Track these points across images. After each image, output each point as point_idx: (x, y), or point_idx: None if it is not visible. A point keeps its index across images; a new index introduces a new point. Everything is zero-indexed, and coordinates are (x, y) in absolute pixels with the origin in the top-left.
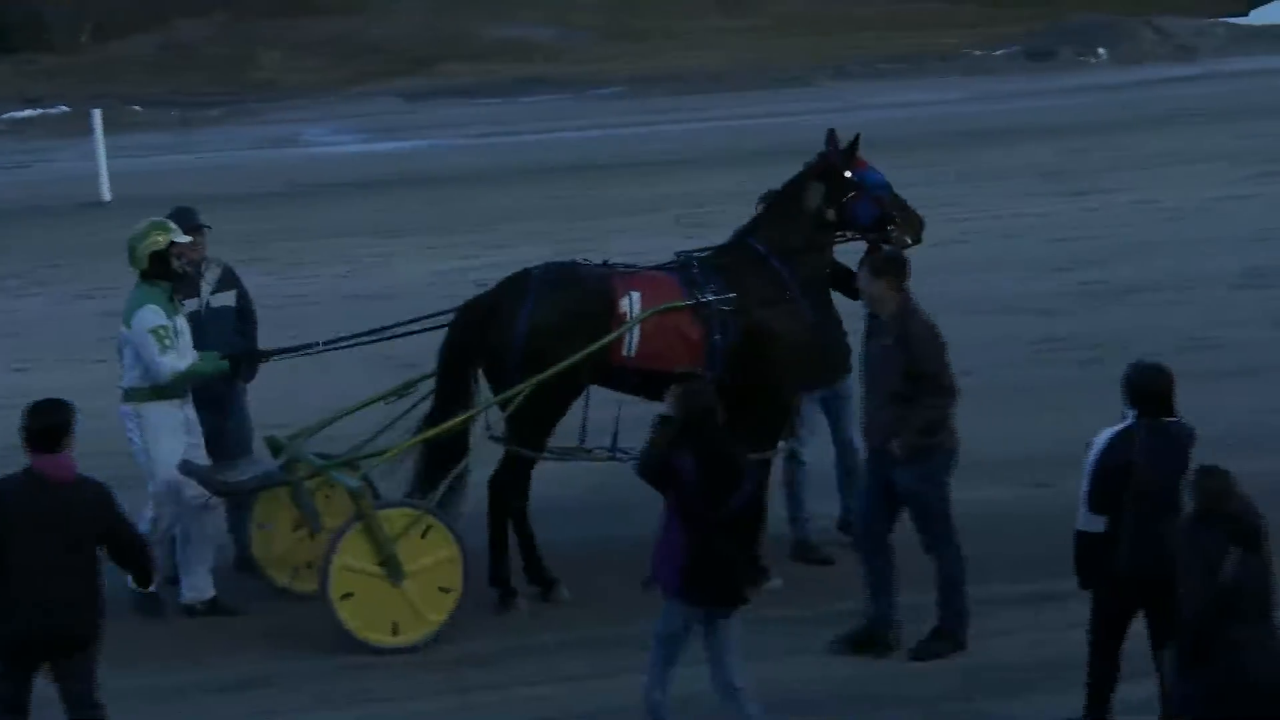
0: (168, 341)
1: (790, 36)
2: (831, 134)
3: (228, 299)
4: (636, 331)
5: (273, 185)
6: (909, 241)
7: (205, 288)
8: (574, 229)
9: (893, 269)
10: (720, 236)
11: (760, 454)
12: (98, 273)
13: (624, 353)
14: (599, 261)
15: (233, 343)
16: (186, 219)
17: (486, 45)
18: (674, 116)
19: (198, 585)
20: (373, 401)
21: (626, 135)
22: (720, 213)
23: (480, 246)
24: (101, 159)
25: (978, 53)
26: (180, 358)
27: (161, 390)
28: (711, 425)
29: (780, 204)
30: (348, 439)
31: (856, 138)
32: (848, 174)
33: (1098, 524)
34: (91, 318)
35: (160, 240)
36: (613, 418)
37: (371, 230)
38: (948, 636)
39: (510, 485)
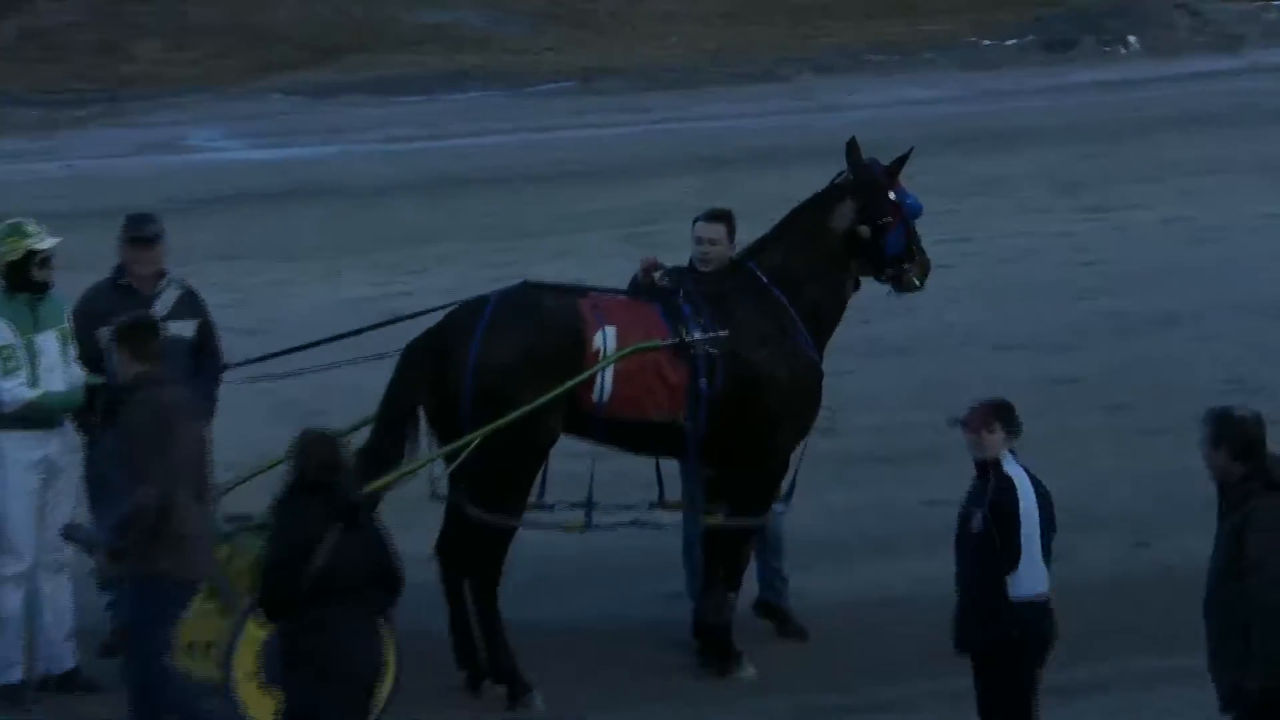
0: (13, 364)
1: (760, 24)
2: (854, 144)
3: (185, 328)
4: (610, 373)
5: (149, 198)
6: (917, 284)
7: (159, 311)
8: (507, 250)
9: (135, 336)
10: (678, 257)
11: (749, 519)
12: None
13: (595, 398)
14: (568, 284)
15: (189, 383)
16: (139, 227)
17: (407, 32)
18: (625, 117)
19: (57, 657)
20: None
21: (570, 139)
22: (678, 231)
23: (395, 272)
24: None
25: (985, 42)
26: (34, 384)
27: (9, 420)
28: (343, 483)
29: (798, 222)
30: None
31: (909, 151)
32: (891, 194)
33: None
34: None
35: (17, 248)
36: (613, 474)
37: (265, 252)
38: None
39: (477, 558)
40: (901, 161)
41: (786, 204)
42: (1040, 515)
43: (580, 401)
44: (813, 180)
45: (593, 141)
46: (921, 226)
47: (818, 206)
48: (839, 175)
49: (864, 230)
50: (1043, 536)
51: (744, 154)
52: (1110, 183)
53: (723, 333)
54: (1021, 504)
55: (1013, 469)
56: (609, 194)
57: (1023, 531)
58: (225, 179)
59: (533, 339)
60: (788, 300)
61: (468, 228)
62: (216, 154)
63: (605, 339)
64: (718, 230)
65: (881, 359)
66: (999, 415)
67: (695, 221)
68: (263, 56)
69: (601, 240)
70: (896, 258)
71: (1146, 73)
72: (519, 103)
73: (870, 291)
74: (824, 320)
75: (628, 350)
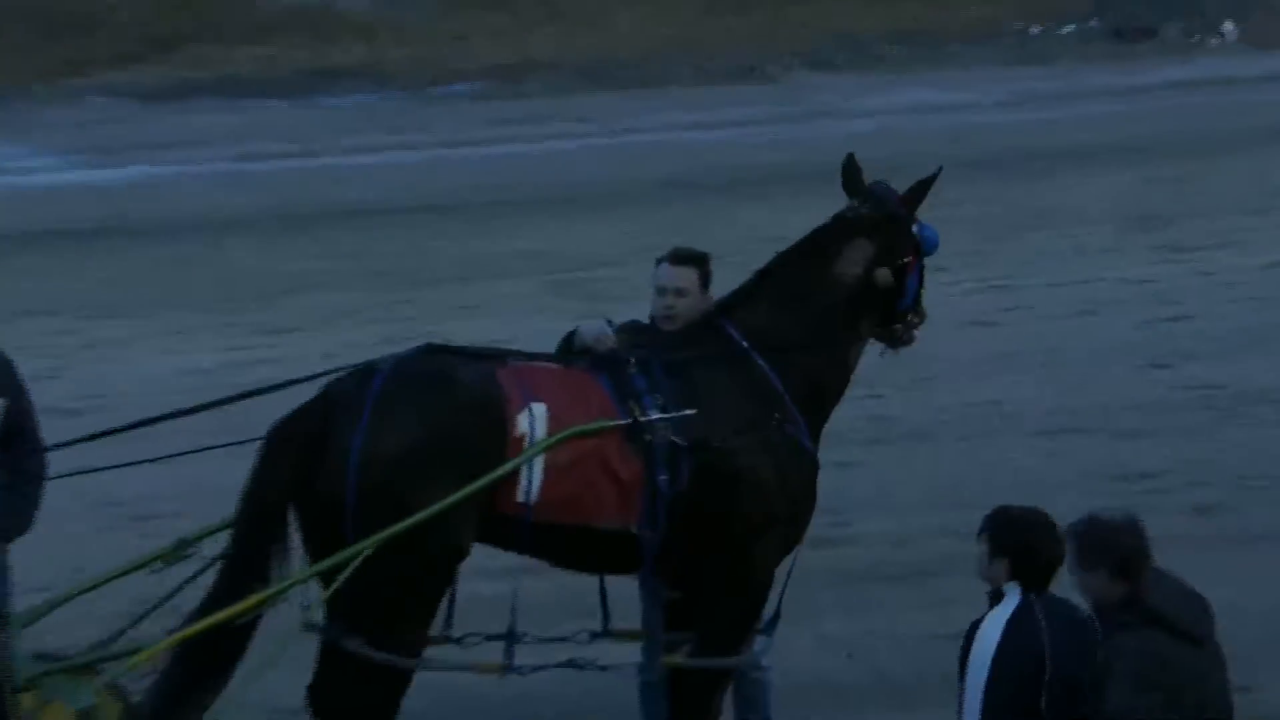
0: None
1: (738, 6)
2: (853, 163)
3: None
4: (540, 465)
5: None
6: (913, 339)
7: None
8: (402, 303)
9: None
10: (625, 309)
11: (723, 657)
12: None
13: (520, 498)
14: (482, 348)
15: None
16: None
17: (265, 18)
18: (558, 128)
19: None
20: (127, 572)
21: (484, 158)
22: (623, 279)
23: (255, 331)
24: None
25: (1033, 30)
26: None
27: None
28: None
29: (792, 268)
30: (94, 627)
31: (937, 172)
32: (914, 228)
33: None
34: None
35: None
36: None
37: (84, 306)
38: None
39: (361, 708)
40: (925, 187)
41: (774, 244)
42: (1013, 669)
43: (500, 503)
44: (808, 212)
45: (514, 161)
46: (945, 274)
47: (818, 248)
48: (850, 207)
49: (884, 275)
50: (1020, 696)
51: (716, 176)
52: (1196, 215)
53: (689, 412)
54: (974, 650)
55: (998, 609)
56: (534, 230)
57: (967, 683)
58: (30, 209)
59: (437, 420)
60: (775, 371)
61: (349, 274)
62: (17, 176)
63: (533, 420)
64: (687, 277)
65: (893, 447)
66: (995, 533)
67: (658, 264)
68: (77, 49)
69: (524, 290)
70: (908, 308)
71: (1247, 69)
72: (416, 109)
73: (874, 358)
74: (823, 397)
75: (563, 435)
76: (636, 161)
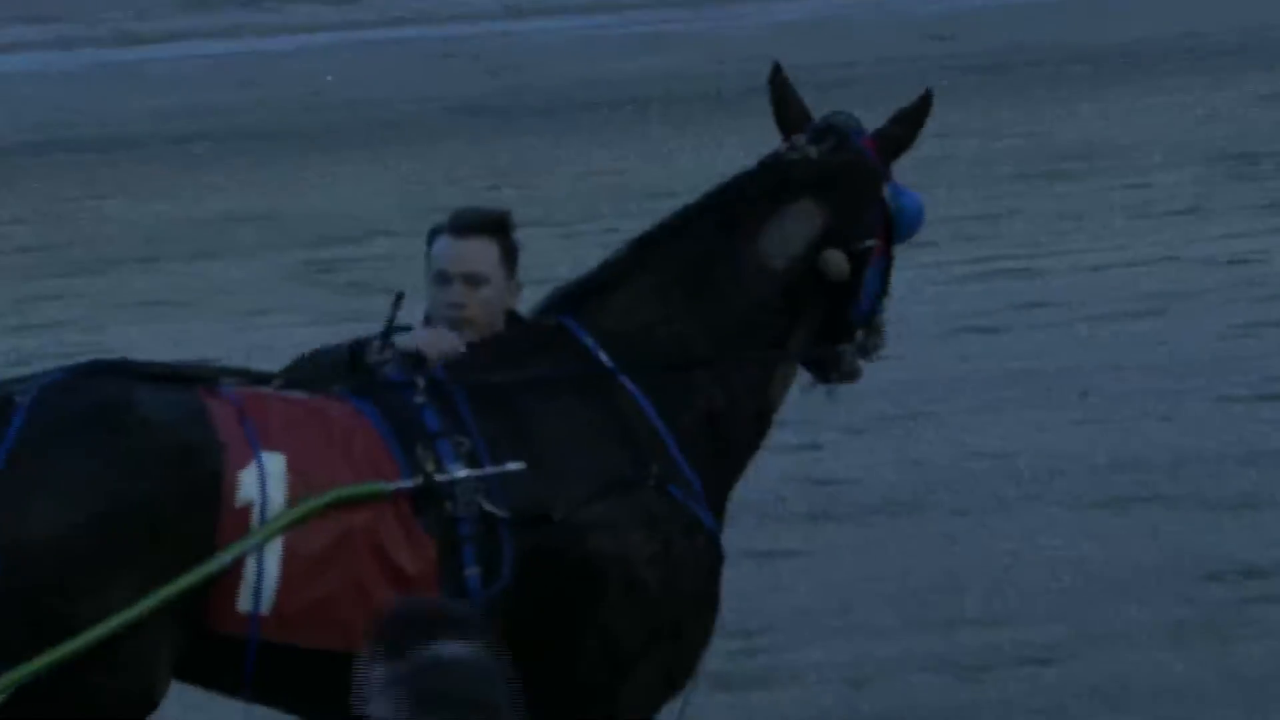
0: None
1: None
2: (780, 74)
3: None
4: (276, 554)
5: None
6: (857, 372)
7: None
8: (54, 299)
9: None
10: (414, 306)
11: None
12: None
13: (243, 606)
14: (181, 364)
15: None
16: None
17: None
18: (289, 14)
19: None
20: None
21: (179, 73)
22: (388, 264)
23: None
24: None
25: None
26: None
27: None
28: None
29: (691, 239)
30: None
31: (926, 96)
32: (885, 191)
33: None
34: None
35: None
36: None
37: None
38: None
39: None
40: (912, 124)
41: (645, 202)
42: None
43: (213, 615)
44: (692, 153)
45: (221, 73)
46: (928, 252)
47: (734, 212)
48: (791, 146)
49: (836, 262)
50: None
51: (546, 95)
52: None
53: (513, 466)
54: None
55: None
56: (264, 183)
57: None
58: None
59: (110, 483)
60: (654, 400)
61: None
62: None
63: (264, 479)
64: (483, 254)
65: (845, 525)
66: None
67: (433, 237)
68: None
69: (252, 274)
70: (863, 319)
71: None
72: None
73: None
74: (729, 443)
75: (314, 504)
76: (421, 70)
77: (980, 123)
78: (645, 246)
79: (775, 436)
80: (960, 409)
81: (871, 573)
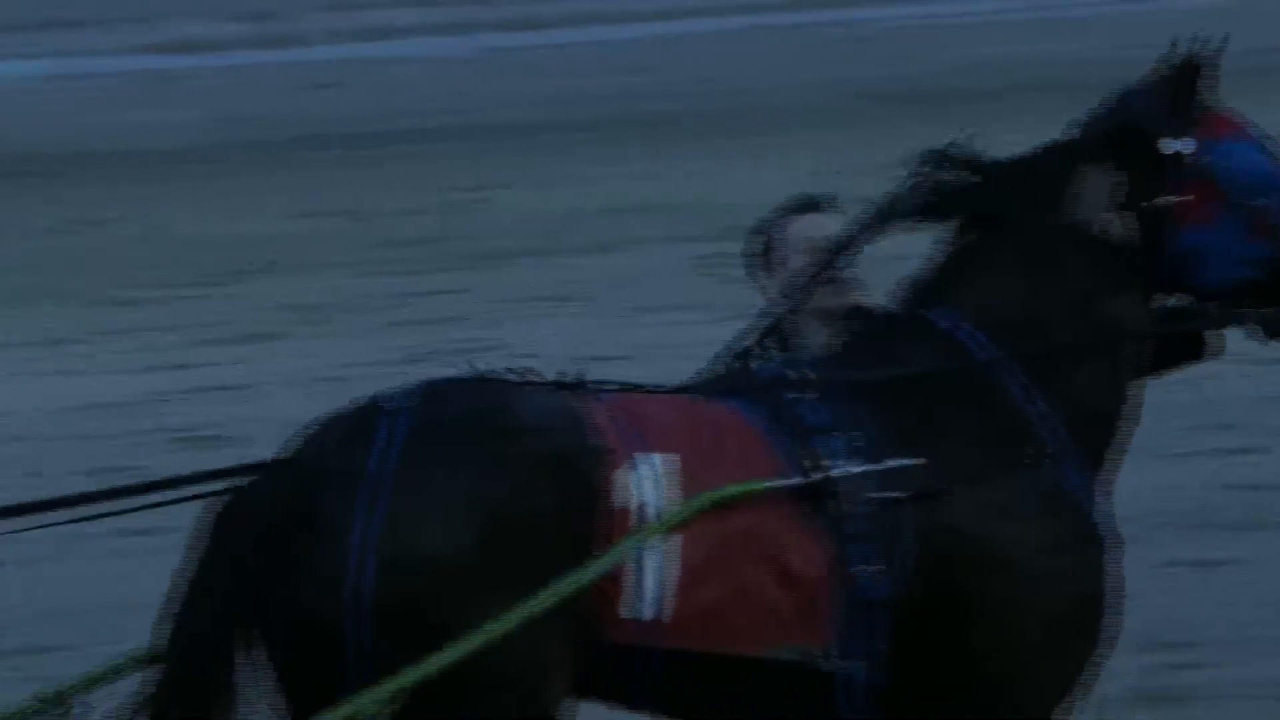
0: None
1: None
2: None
3: None
4: (668, 557)
5: None
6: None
7: None
8: (432, 294)
9: None
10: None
11: None
12: None
13: (636, 613)
14: (562, 379)
15: None
16: None
17: None
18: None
19: None
20: None
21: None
22: None
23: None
24: None
25: None
26: None
27: None
28: None
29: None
30: None
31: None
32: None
33: None
34: None
35: None
36: None
37: None
38: None
39: None
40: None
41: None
42: None
43: (605, 625)
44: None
45: (611, 58)
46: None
47: (1045, 163)
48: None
49: (1118, 227)
50: None
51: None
52: None
53: (908, 461)
54: None
55: None
56: (657, 173)
57: None
58: None
59: (490, 493)
60: (1040, 390)
61: (342, 237)
62: None
63: (649, 479)
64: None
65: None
66: None
67: (782, 219)
68: None
69: (649, 267)
70: (1236, 291)
71: None
72: None
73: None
74: (1111, 430)
75: (697, 504)
76: (818, 56)
77: None
78: (990, 232)
79: (1209, 440)
80: None
81: None
